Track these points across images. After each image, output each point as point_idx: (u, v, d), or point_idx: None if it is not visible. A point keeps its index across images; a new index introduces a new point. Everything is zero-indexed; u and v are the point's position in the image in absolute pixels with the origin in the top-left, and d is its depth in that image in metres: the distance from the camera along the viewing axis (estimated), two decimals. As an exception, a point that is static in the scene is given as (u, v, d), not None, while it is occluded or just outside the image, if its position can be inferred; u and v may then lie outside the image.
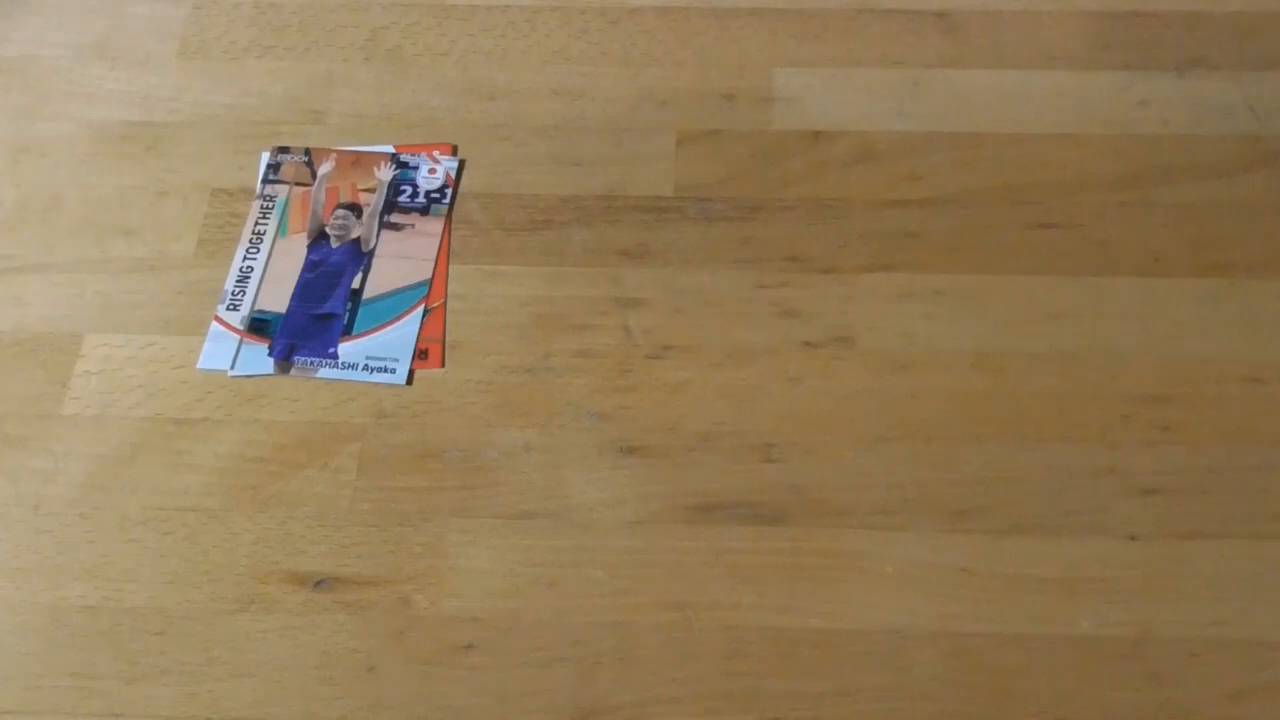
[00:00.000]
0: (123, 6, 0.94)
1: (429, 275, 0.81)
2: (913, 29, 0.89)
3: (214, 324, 0.80)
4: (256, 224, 0.83)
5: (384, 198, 0.84)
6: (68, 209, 0.85)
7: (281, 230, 0.83)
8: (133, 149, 0.87)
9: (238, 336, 0.79)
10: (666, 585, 0.70)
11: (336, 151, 0.86)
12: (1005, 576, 0.69)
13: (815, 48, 0.89)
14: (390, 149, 0.86)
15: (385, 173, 0.85)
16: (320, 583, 0.71)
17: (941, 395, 0.75)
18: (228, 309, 0.80)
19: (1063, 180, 0.82)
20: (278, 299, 0.80)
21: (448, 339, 0.78)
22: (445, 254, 0.81)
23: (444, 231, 0.82)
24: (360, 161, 0.85)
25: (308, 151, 0.86)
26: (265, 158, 0.86)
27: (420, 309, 0.79)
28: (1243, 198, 0.81)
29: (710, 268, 0.80)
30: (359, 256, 0.82)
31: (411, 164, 0.85)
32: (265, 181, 0.85)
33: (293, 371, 0.78)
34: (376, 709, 0.67)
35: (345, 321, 0.79)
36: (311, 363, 0.78)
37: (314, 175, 0.85)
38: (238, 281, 0.81)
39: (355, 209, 0.84)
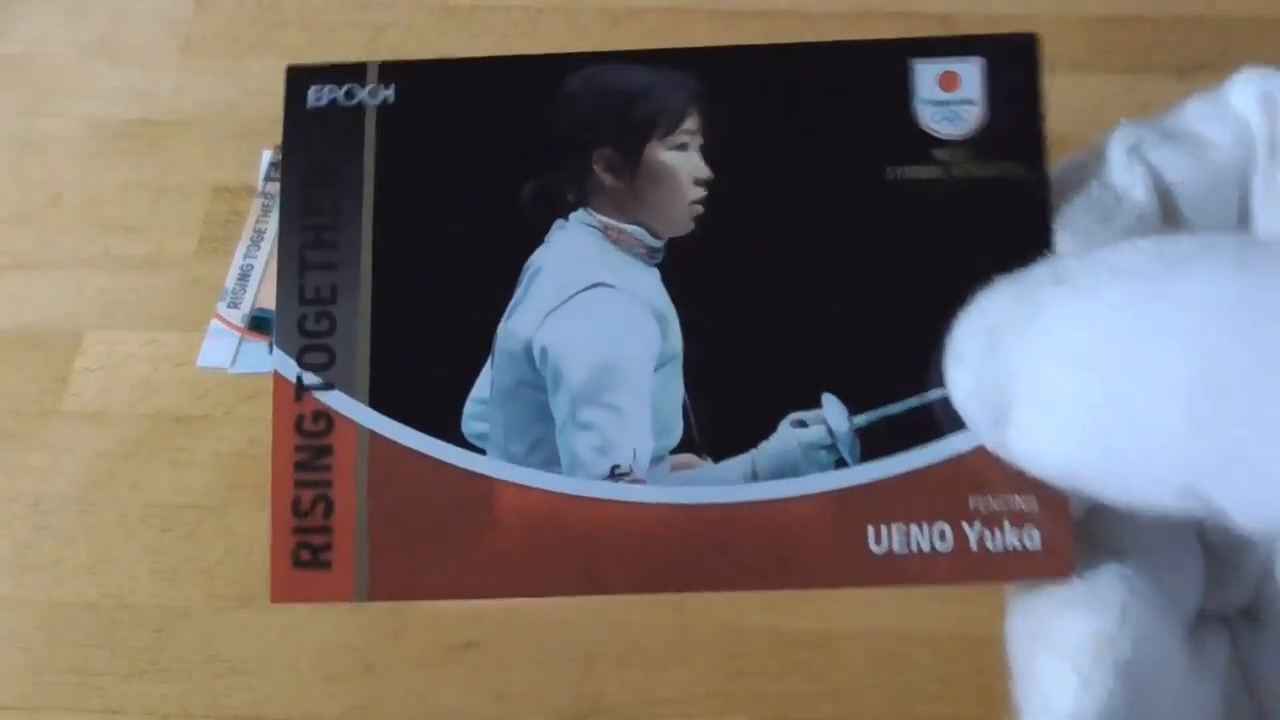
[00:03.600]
0: (125, 4, 0.94)
1: (430, 274, 0.80)
2: (914, 31, 0.89)
3: (215, 321, 0.79)
4: (258, 222, 0.83)
5: (385, 196, 0.84)
6: (68, 206, 0.85)
7: (283, 228, 0.83)
8: (134, 146, 0.87)
9: (238, 334, 0.79)
10: (667, 585, 0.69)
11: (338, 150, 0.86)
12: (1005, 578, 0.69)
13: (817, 49, 0.89)
14: (392, 148, 0.86)
15: (387, 171, 0.84)
16: (320, 581, 0.71)
17: (942, 397, 0.75)
18: (229, 306, 0.80)
19: (1064, 183, 0.82)
20: (278, 297, 0.80)
21: (449, 338, 0.78)
22: (446, 253, 0.81)
23: (445, 230, 0.82)
24: (362, 160, 0.85)
25: (309, 150, 0.86)
26: (267, 156, 0.86)
27: (421, 308, 0.79)
28: (1243, 201, 0.81)
29: (711, 268, 0.80)
30: (360, 255, 0.82)
31: (413, 163, 0.85)
32: (267, 179, 0.85)
33: (293, 369, 0.77)
34: (375, 708, 0.67)
35: (346, 320, 0.79)
36: (312, 361, 0.78)
37: (315, 174, 0.85)
38: (239, 279, 0.81)
39: (357, 207, 0.83)
